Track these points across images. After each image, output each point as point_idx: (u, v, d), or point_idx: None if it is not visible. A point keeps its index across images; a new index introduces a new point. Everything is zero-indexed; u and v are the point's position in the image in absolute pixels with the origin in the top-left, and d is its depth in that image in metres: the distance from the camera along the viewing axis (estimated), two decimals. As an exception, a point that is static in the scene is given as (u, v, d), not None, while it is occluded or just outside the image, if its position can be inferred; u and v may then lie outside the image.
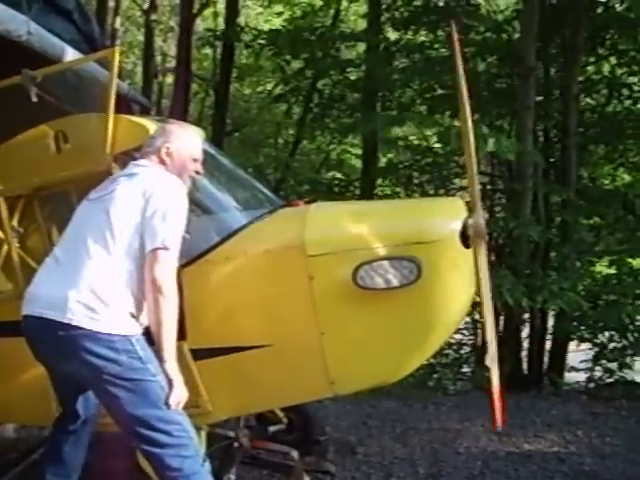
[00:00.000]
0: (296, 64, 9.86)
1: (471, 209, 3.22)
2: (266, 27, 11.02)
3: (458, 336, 8.58)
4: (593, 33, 8.23)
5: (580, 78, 8.20)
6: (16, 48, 3.96)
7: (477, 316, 8.91)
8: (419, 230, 3.07)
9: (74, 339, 2.64)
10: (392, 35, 9.71)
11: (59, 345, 2.68)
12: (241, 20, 12.26)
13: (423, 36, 9.70)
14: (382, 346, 3.10)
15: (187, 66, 10.20)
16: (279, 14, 11.26)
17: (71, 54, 4.25)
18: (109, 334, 2.66)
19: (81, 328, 2.63)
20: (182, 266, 3.19)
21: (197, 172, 3.08)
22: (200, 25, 12.54)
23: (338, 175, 11.89)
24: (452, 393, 6.48)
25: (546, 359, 7.83)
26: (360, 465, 4.26)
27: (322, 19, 10.82)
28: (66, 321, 2.63)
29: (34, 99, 3.31)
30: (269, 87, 10.83)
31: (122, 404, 2.69)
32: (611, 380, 7.47)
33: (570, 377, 8.01)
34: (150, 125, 3.29)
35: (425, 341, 3.13)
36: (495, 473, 4.20)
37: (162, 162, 2.97)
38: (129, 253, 2.72)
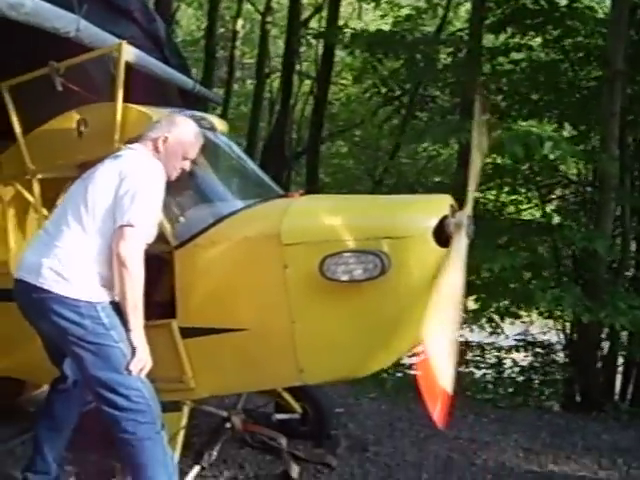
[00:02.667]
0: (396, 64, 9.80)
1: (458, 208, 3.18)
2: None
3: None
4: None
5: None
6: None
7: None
8: (390, 225, 3.06)
9: (44, 301, 2.88)
10: (490, 39, 9.45)
11: (34, 306, 2.94)
12: (355, 23, 12.42)
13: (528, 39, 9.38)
14: (349, 339, 3.12)
15: (291, 68, 10.46)
16: (383, 17, 11.32)
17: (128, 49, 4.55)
18: (75, 299, 2.88)
19: (50, 292, 2.87)
20: (175, 247, 3.41)
21: (183, 169, 3.22)
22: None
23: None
24: (502, 406, 6.24)
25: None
26: (364, 463, 4.22)
27: (429, 21, 10.73)
28: (38, 284, 2.89)
29: (59, 88, 3.60)
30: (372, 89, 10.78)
31: (86, 365, 2.91)
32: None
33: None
34: (156, 115, 3.49)
35: (392, 338, 3.11)
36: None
37: (156, 149, 3.14)
38: (102, 228, 2.92)
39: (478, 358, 8.22)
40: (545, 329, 9.55)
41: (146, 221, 2.90)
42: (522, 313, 8.51)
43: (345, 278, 3.01)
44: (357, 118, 13.38)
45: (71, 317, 2.88)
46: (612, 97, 6.53)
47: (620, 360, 7.56)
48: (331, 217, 3.19)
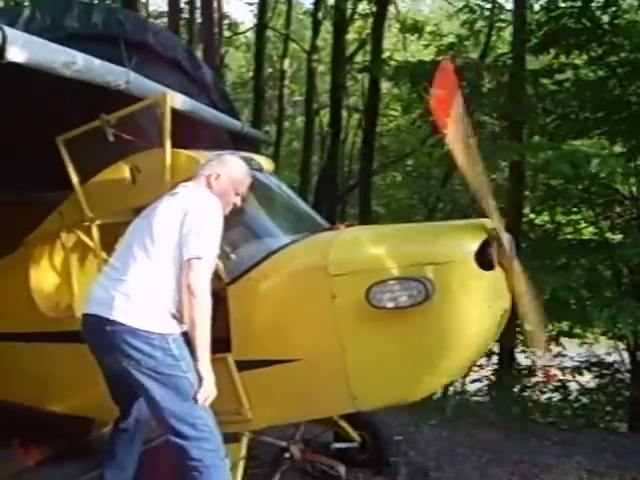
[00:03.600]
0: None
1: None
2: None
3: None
4: None
5: None
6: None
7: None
8: (432, 251, 3.13)
9: (117, 333, 3.02)
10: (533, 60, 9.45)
11: (105, 338, 3.06)
12: (400, 54, 12.59)
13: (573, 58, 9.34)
14: (398, 364, 3.19)
15: (339, 103, 10.66)
16: (426, 46, 11.45)
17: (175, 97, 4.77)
18: (147, 331, 3.02)
19: (123, 324, 3.01)
20: (228, 283, 3.55)
21: (234, 205, 3.38)
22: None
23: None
24: (564, 428, 6.12)
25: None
26: (425, 489, 4.25)
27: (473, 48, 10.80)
28: (112, 318, 3.03)
29: (111, 139, 3.82)
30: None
31: (154, 395, 3.03)
32: None
33: None
34: (203, 158, 3.66)
35: (440, 362, 3.15)
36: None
37: (209, 185, 3.30)
38: (169, 261, 3.06)
39: (541, 381, 8.08)
40: (610, 349, 9.35)
41: (211, 253, 3.06)
42: (587, 334, 8.37)
43: (391, 305, 3.09)
44: (407, 148, 13.50)
45: (143, 349, 3.00)
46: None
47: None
48: (375, 246, 3.29)
